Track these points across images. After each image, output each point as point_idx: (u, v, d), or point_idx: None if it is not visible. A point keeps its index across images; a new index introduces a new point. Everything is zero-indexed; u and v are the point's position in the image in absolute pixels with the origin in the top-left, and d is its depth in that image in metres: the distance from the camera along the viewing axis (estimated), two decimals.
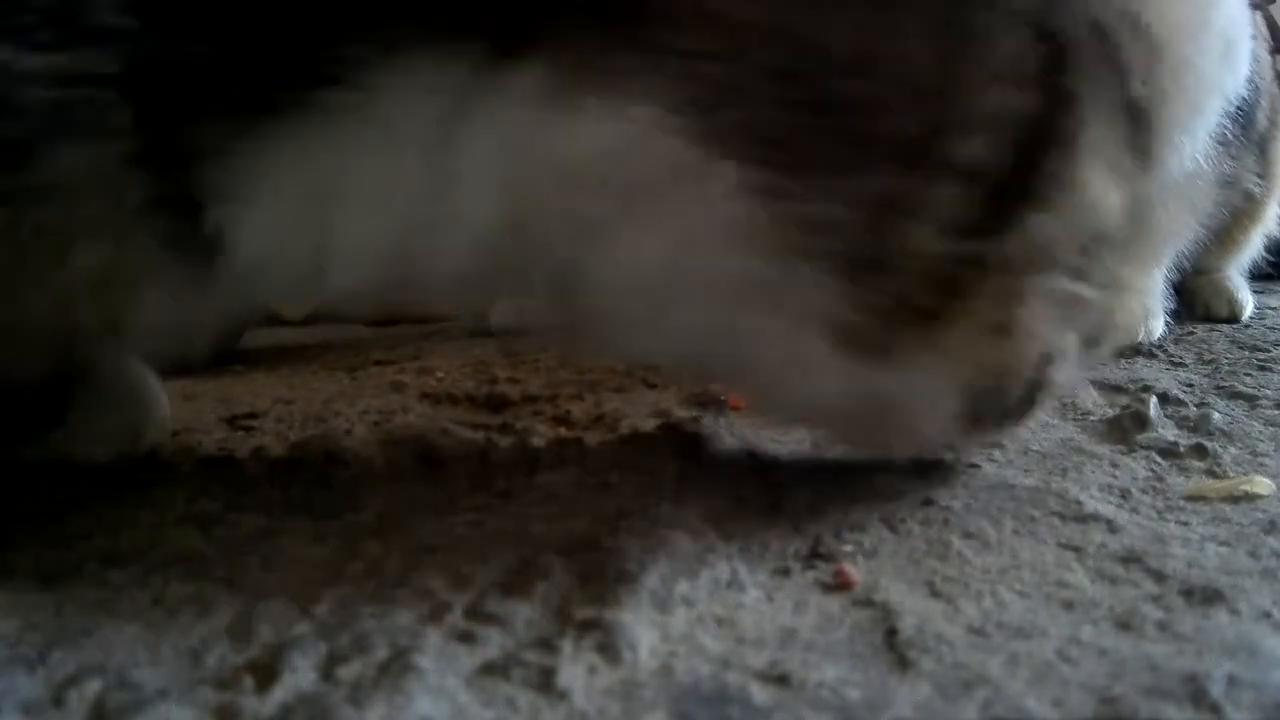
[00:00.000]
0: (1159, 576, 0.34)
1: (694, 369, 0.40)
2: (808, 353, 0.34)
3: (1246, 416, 0.53)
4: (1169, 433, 0.50)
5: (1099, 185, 0.33)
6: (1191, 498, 0.42)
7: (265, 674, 0.29)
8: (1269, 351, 0.66)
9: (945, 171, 0.31)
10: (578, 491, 0.43)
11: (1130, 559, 0.36)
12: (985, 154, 0.31)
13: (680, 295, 0.34)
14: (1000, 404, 0.37)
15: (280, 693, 0.28)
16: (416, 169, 0.33)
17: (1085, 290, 0.36)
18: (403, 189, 0.34)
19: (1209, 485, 0.43)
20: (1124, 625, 0.31)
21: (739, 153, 0.30)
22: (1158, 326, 0.70)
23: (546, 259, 0.34)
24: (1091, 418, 0.52)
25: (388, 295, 0.39)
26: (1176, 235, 0.68)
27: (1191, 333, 0.76)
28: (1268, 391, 0.56)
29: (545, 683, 0.28)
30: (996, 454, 0.47)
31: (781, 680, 0.28)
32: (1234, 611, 0.32)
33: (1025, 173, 0.32)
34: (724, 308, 0.34)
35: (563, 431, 0.53)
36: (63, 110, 0.32)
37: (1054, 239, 0.33)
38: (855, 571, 0.35)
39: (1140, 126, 0.34)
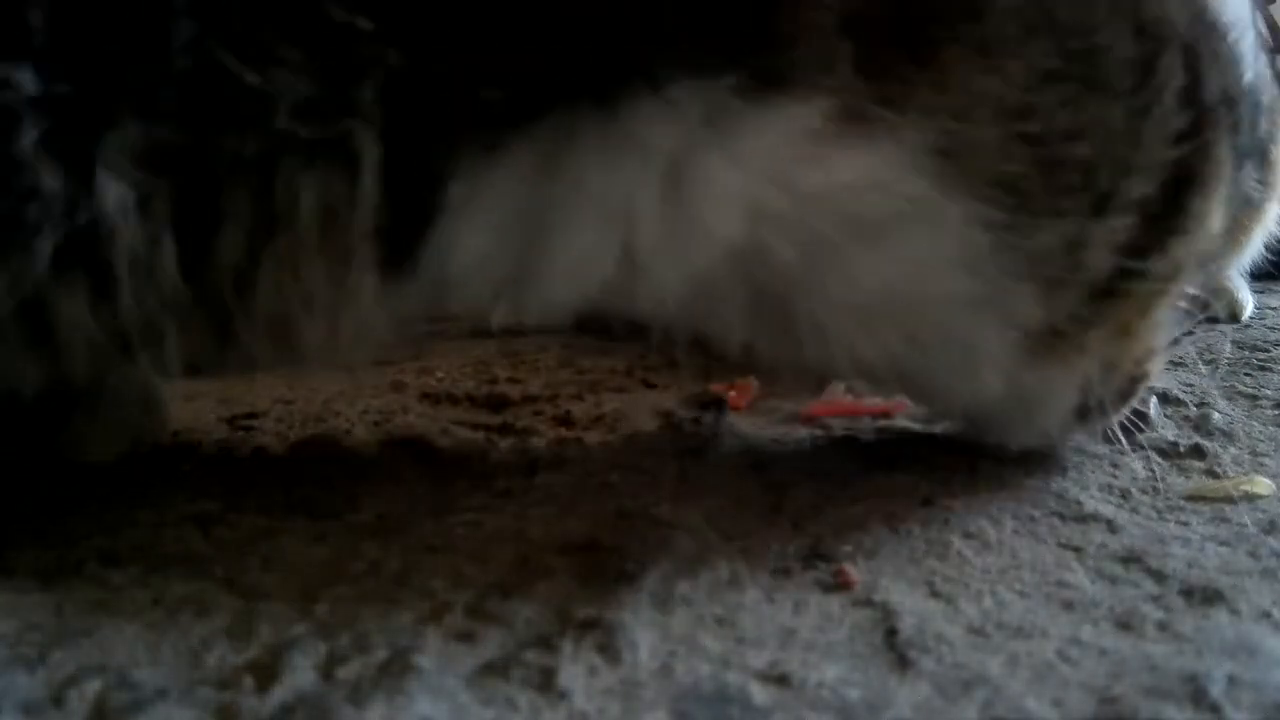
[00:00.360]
0: (1159, 576, 0.34)
1: (881, 377, 0.44)
2: (990, 359, 0.40)
3: (1246, 416, 0.53)
4: (1169, 433, 0.50)
5: (1216, 215, 0.41)
6: (1191, 498, 0.42)
7: (265, 674, 0.29)
8: (1269, 351, 0.66)
9: (1123, 208, 0.37)
10: (578, 491, 0.43)
11: (1130, 559, 0.36)
12: (1151, 194, 0.38)
13: (900, 311, 0.38)
14: (1106, 396, 0.43)
15: (280, 693, 0.28)
16: (657, 189, 0.35)
17: (1190, 297, 0.43)
18: (640, 208, 0.35)
19: (1209, 485, 0.43)
20: (1124, 625, 0.31)
21: (974, 194, 0.36)
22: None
23: (774, 282, 0.38)
24: None
25: (587, 312, 0.40)
26: None
27: (1191, 333, 0.76)
28: (1268, 391, 0.57)
29: (545, 683, 0.28)
30: (996, 454, 0.47)
31: (781, 680, 0.28)
32: (1234, 611, 0.32)
33: (1175, 208, 0.39)
34: (934, 322, 0.39)
35: (563, 431, 0.53)
36: (314, 138, 0.32)
37: (1186, 258, 0.40)
38: (855, 571, 0.35)
39: (1241, 167, 0.42)
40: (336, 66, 0.32)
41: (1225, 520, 0.39)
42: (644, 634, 0.31)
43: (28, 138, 0.30)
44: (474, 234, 0.35)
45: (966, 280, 0.37)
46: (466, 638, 0.31)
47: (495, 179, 0.34)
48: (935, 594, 0.33)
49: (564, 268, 0.36)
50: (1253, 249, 0.82)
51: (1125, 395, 0.44)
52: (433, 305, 0.38)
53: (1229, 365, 0.63)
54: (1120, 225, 0.37)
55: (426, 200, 0.34)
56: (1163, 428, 0.50)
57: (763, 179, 0.35)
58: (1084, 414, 0.43)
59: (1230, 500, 0.41)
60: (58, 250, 0.32)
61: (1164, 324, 0.44)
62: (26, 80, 0.30)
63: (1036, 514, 0.40)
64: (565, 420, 0.55)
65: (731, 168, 0.34)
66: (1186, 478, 0.44)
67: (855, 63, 0.34)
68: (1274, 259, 0.86)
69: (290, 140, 0.32)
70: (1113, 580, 0.34)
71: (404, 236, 0.34)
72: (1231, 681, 0.27)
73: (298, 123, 0.32)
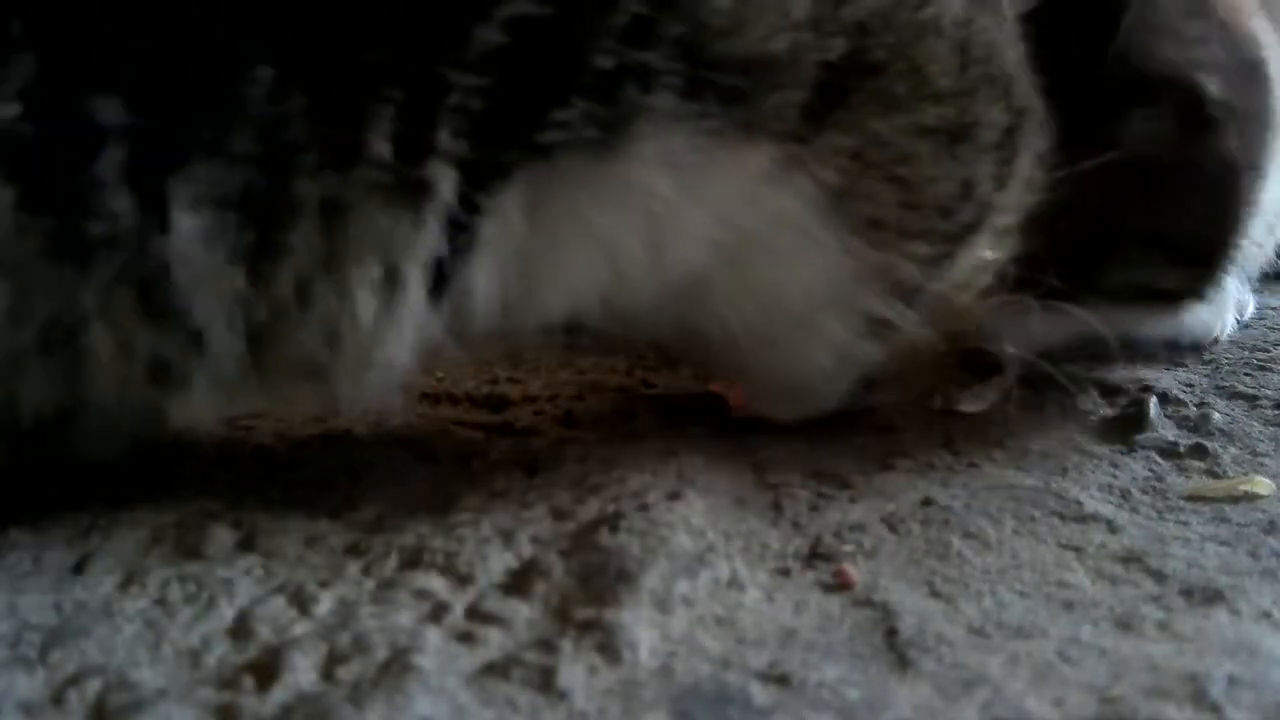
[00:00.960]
0: (1159, 576, 0.34)
1: (743, 362, 0.49)
2: (831, 345, 0.46)
3: (1246, 416, 0.53)
4: (1169, 433, 0.50)
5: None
6: (1191, 498, 0.42)
7: (265, 674, 0.29)
8: (1269, 351, 0.66)
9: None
10: (578, 491, 0.43)
11: (1130, 559, 0.36)
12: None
13: (770, 311, 0.44)
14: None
15: (280, 693, 0.28)
16: (643, 224, 0.39)
17: None
18: (627, 241, 0.40)
19: (1209, 485, 0.43)
20: (1124, 625, 0.31)
21: (848, 228, 0.42)
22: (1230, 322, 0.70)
23: (693, 291, 0.43)
24: (1091, 418, 0.52)
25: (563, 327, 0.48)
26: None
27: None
28: (1268, 391, 0.56)
29: (545, 683, 0.28)
30: (996, 454, 0.47)
31: (781, 680, 0.28)
32: (1234, 611, 0.32)
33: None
34: (795, 318, 0.45)
35: (563, 431, 0.53)
36: (395, 180, 0.35)
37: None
38: (855, 571, 0.35)
39: None
40: (427, 114, 0.34)
41: (1225, 520, 0.39)
42: (644, 634, 0.31)
43: (108, 163, 0.32)
44: (499, 263, 0.38)
45: (826, 288, 0.44)
46: (466, 638, 0.31)
47: (518, 212, 0.38)
48: (935, 594, 0.33)
49: (560, 291, 0.41)
50: (1263, 253, 0.82)
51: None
52: (450, 332, 0.41)
53: (1229, 365, 0.63)
54: (950, 250, 0.45)
55: (472, 231, 0.37)
56: (1163, 428, 0.50)
57: (720, 217, 0.40)
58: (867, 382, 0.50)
59: (1230, 500, 0.41)
60: (116, 275, 0.34)
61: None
62: (113, 109, 0.32)
63: (1036, 514, 0.40)
64: (565, 420, 0.55)
65: (701, 208, 0.40)
66: (1186, 478, 0.44)
67: (801, 110, 0.39)
68: (1275, 260, 0.86)
69: (374, 181, 0.35)
70: (1113, 580, 0.34)
71: (451, 265, 0.38)
72: (1231, 681, 0.27)
73: (383, 165, 0.34)
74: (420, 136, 0.35)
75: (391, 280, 0.37)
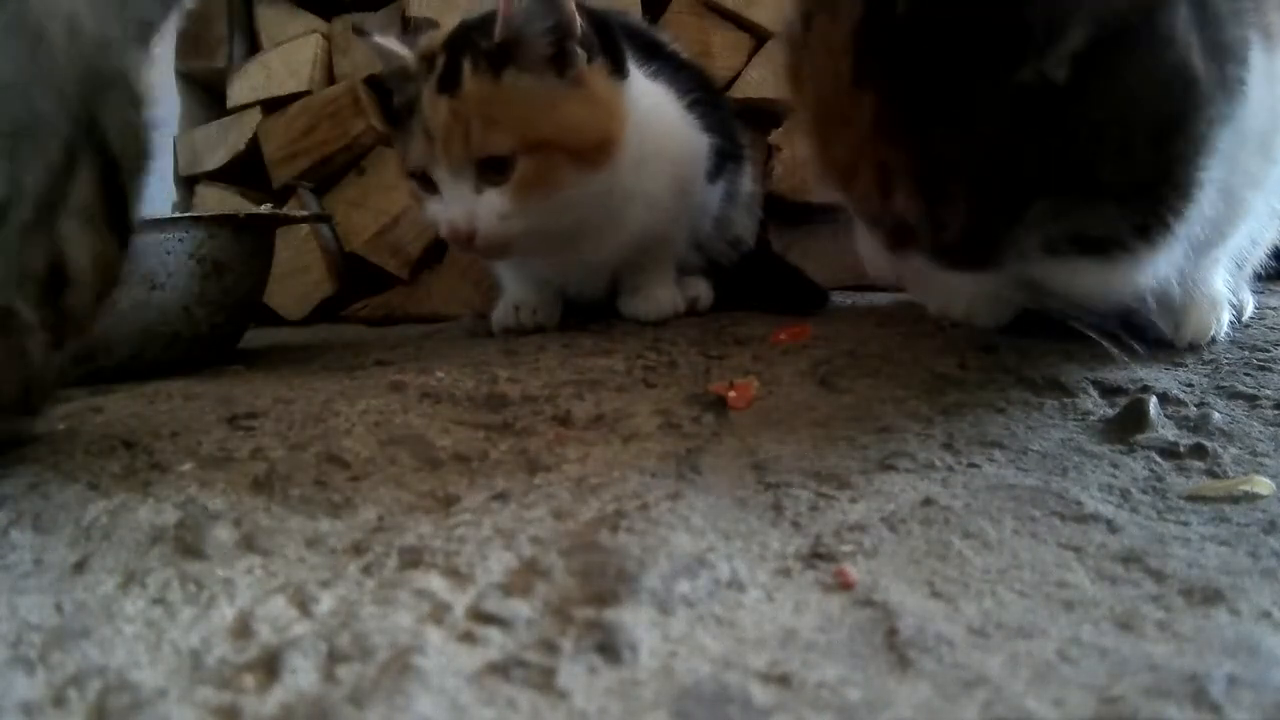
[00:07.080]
0: (1159, 576, 0.34)
1: None
2: None
3: (1246, 416, 0.53)
4: (1169, 433, 0.50)
5: None
6: (1191, 498, 0.42)
7: (265, 674, 0.29)
8: (1269, 351, 0.66)
9: None
10: (578, 491, 0.43)
11: (1130, 559, 0.36)
12: None
13: None
14: None
15: (280, 693, 0.28)
16: None
17: None
18: None
19: (1209, 485, 0.43)
20: (1124, 625, 0.31)
21: None
22: (1225, 322, 0.69)
23: None
24: (1091, 418, 0.52)
25: None
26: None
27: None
28: (1268, 391, 0.56)
29: (545, 683, 0.28)
30: (996, 454, 0.47)
31: (781, 680, 0.28)
32: (1234, 611, 0.32)
33: None
34: None
35: (563, 431, 0.53)
36: None
37: None
38: (855, 571, 0.35)
39: None
40: None
41: (1225, 520, 0.39)
42: (644, 634, 0.31)
43: None
44: None
45: None
46: (466, 638, 0.31)
47: None
48: (935, 594, 0.33)
49: None
50: (1258, 253, 0.82)
51: None
52: None
53: (1229, 365, 0.63)
54: None
55: None
56: (1163, 428, 0.50)
57: None
58: None
59: (1230, 500, 0.41)
60: None
61: None
62: None
63: (1036, 514, 0.40)
64: (565, 420, 0.55)
65: None
66: (1186, 478, 0.44)
67: None
68: (1275, 260, 0.86)
69: None
70: (1113, 580, 0.34)
71: None
72: (1231, 681, 0.27)
73: None
74: None
75: None
